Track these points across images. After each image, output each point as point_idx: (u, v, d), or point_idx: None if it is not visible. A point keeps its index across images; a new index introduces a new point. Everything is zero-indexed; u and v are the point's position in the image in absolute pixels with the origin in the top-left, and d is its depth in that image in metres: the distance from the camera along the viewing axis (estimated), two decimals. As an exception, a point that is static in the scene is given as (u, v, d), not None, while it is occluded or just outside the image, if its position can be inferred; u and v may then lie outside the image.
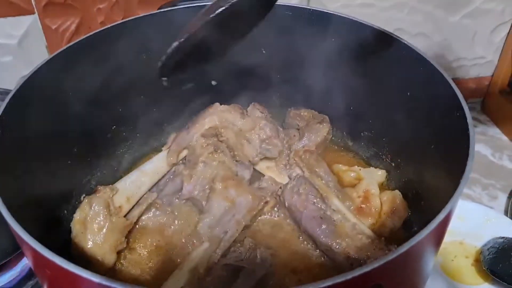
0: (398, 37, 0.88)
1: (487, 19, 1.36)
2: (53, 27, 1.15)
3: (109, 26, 0.92)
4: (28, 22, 1.14)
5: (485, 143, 1.42)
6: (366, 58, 0.95)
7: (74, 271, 0.50)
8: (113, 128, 1.01)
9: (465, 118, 0.69)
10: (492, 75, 1.50)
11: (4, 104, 0.72)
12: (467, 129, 0.67)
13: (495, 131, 1.47)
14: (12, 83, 1.19)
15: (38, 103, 0.81)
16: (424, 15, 1.32)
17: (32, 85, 0.79)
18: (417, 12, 1.31)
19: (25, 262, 0.98)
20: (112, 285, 0.48)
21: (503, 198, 1.25)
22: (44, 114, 0.83)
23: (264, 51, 1.04)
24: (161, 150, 1.02)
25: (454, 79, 1.42)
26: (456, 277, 1.00)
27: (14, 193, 0.66)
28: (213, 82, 1.09)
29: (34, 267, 0.68)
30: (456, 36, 1.38)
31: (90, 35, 0.90)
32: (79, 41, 0.88)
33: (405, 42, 0.87)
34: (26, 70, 1.18)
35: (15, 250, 0.91)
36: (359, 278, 0.48)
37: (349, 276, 0.47)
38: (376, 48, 0.92)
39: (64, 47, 0.86)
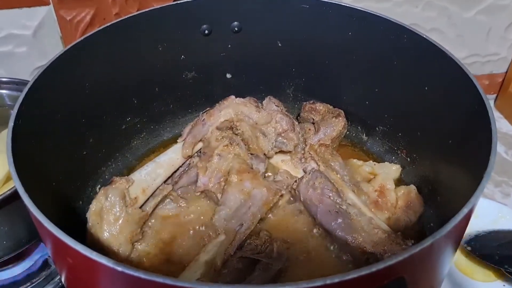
0: (416, 30, 0.87)
1: (502, 16, 1.35)
2: (68, 18, 1.15)
3: (125, 17, 0.91)
4: (43, 13, 1.14)
5: (498, 140, 1.39)
6: (382, 51, 0.94)
7: (97, 260, 0.50)
8: (128, 119, 1.02)
9: (486, 113, 0.68)
10: (506, 72, 1.49)
11: (22, 95, 0.72)
12: (489, 124, 0.67)
13: (508, 128, 1.46)
14: (26, 73, 1.21)
15: (54, 95, 0.81)
16: (439, 11, 1.31)
17: (49, 76, 0.78)
18: (431, 8, 1.30)
19: (40, 254, 0.99)
20: (135, 273, 0.48)
21: (516, 195, 1.25)
22: (60, 105, 0.83)
23: (280, 44, 1.03)
24: (175, 142, 1.02)
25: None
26: (469, 273, 1.00)
27: (33, 183, 0.66)
28: (228, 75, 1.09)
29: (54, 255, 0.68)
30: (470, 32, 1.37)
31: (106, 27, 0.89)
32: (95, 32, 0.88)
33: (423, 35, 0.86)
34: (40, 61, 1.20)
35: (30, 240, 0.92)
36: (383, 270, 0.48)
37: (373, 268, 0.47)
38: (393, 41, 0.91)
39: (80, 39, 0.85)
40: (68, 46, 0.83)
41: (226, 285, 0.46)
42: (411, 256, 0.50)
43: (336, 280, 0.46)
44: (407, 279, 0.51)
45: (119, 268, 0.48)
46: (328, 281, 0.46)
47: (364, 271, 0.47)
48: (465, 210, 0.54)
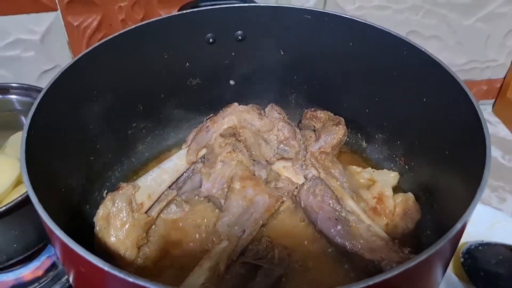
0: (414, 43, 0.89)
1: (501, 23, 1.37)
2: (75, 24, 1.17)
3: (132, 27, 0.93)
4: (51, 19, 1.16)
5: (496, 145, 1.44)
6: (382, 62, 0.97)
7: (110, 271, 0.52)
8: (133, 125, 1.04)
9: (481, 128, 0.70)
10: (504, 78, 1.51)
11: (34, 106, 0.74)
12: (484, 138, 0.69)
13: (505, 133, 1.49)
14: (33, 77, 1.23)
15: (64, 103, 0.84)
16: (439, 18, 1.34)
17: (59, 86, 0.81)
18: (431, 15, 1.33)
19: (47, 255, 1.02)
20: (146, 284, 0.51)
21: (511, 201, 1.28)
22: (70, 114, 0.86)
23: (282, 53, 1.06)
24: (179, 146, 1.05)
25: (466, 81, 1.45)
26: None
27: (44, 190, 0.68)
28: (231, 82, 1.11)
29: (63, 260, 0.71)
30: (470, 39, 1.39)
31: (114, 36, 0.91)
32: (104, 42, 0.90)
33: (421, 48, 0.88)
34: (47, 65, 1.22)
35: (39, 242, 0.94)
36: (379, 284, 0.50)
37: (370, 282, 0.50)
38: (392, 53, 0.94)
39: (89, 49, 0.88)
40: (78, 56, 0.85)
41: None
42: (407, 269, 0.52)
43: (335, 293, 0.48)
44: (402, 291, 0.54)
45: (131, 279, 0.50)
46: (328, 294, 0.48)
47: (361, 284, 0.50)
48: (458, 226, 0.57)
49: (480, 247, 0.97)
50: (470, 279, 0.94)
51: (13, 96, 1.06)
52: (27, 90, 1.05)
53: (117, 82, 0.95)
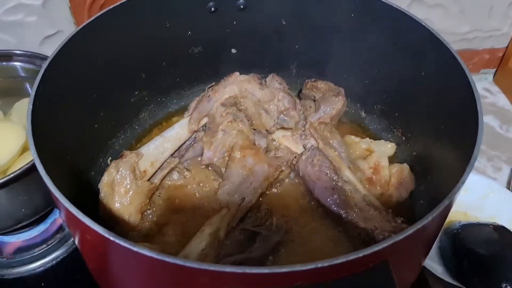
0: (415, 16, 0.90)
1: (505, -8, 1.37)
2: (77, -11, 1.17)
3: (134, -4, 0.94)
4: (52, -17, 1.16)
5: (494, 114, 1.45)
6: (382, 35, 0.97)
7: (115, 240, 0.55)
8: (136, 93, 1.06)
9: (475, 106, 0.72)
10: (507, 47, 1.51)
11: (40, 75, 0.76)
12: (477, 116, 0.70)
13: (505, 103, 1.49)
14: (36, 42, 1.24)
15: (68, 73, 0.85)
16: (443, -13, 1.33)
17: (63, 56, 0.82)
18: (436, -17, 1.32)
19: (54, 218, 1.06)
20: (149, 254, 0.53)
21: (507, 170, 1.30)
22: (74, 83, 0.87)
23: (284, 22, 1.06)
24: (181, 114, 1.07)
25: (468, 50, 1.44)
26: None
27: (49, 156, 0.70)
28: (233, 50, 1.12)
29: (68, 225, 0.74)
30: (473, 8, 1.38)
31: (116, 6, 0.92)
32: (106, 11, 0.90)
33: (422, 22, 0.88)
34: (49, 31, 1.23)
35: (46, 207, 0.98)
36: (369, 256, 0.53)
37: (360, 254, 0.53)
38: (393, 26, 0.94)
39: (92, 18, 0.88)
40: (80, 26, 0.86)
41: (230, 266, 0.51)
42: (397, 242, 0.55)
43: (326, 264, 0.51)
44: (390, 261, 0.57)
45: (135, 249, 0.53)
46: (319, 265, 0.51)
47: (351, 256, 0.52)
48: (446, 202, 0.59)
49: (466, 227, 1.00)
50: (456, 258, 0.98)
51: (17, 63, 1.07)
52: (31, 57, 1.06)
53: (120, 51, 0.96)
